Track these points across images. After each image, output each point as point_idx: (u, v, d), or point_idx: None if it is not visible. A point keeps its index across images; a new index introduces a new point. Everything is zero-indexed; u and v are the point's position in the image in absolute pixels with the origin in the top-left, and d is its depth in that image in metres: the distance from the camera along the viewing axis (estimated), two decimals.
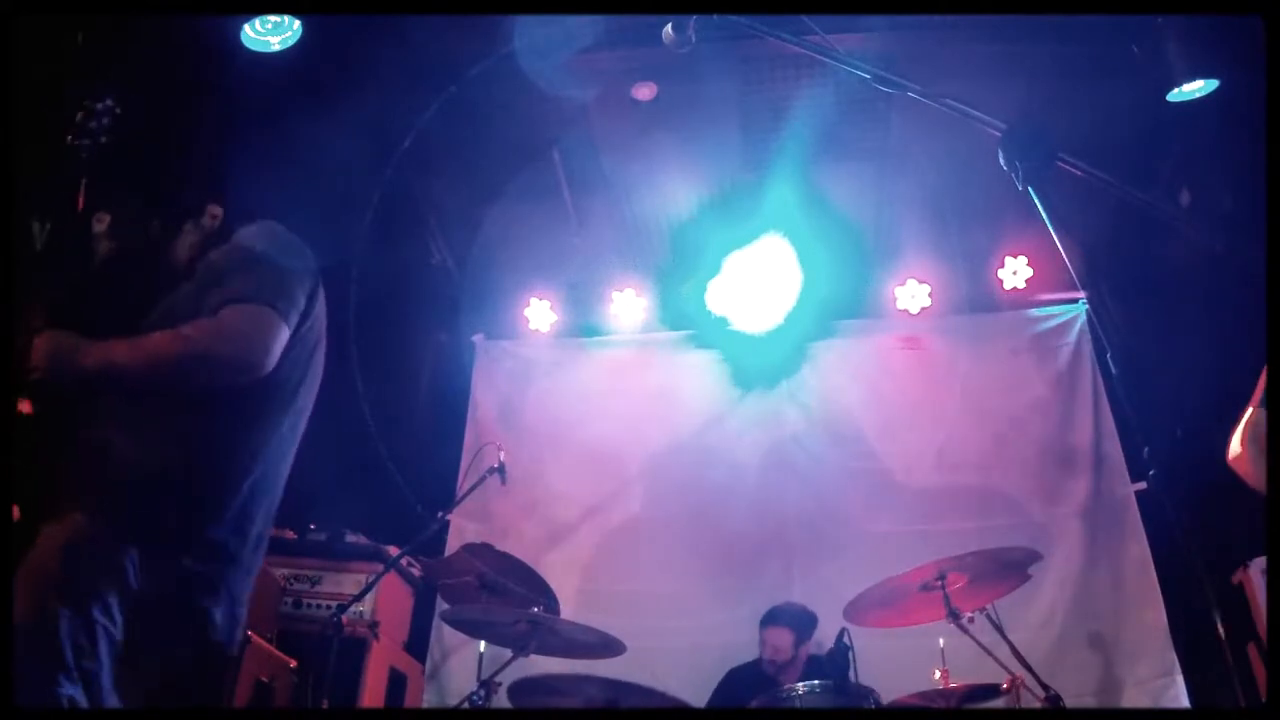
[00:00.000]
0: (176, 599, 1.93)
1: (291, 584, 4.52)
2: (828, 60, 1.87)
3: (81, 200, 2.12)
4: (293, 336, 2.10)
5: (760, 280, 5.64)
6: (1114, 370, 1.36)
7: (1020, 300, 5.83)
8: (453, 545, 5.19)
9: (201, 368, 1.98)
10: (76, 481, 1.93)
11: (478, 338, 6.28)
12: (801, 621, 4.45)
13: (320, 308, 2.25)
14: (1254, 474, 3.02)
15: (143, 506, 1.91)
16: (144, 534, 1.89)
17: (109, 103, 2.14)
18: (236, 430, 2.06)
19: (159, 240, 2.23)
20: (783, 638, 4.40)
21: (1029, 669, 3.34)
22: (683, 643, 5.05)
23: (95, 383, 1.97)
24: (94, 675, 1.78)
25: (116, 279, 2.20)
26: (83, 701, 1.75)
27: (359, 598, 4.23)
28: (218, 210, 2.30)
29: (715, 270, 5.73)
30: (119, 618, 1.83)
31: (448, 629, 4.89)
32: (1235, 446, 3.10)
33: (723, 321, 5.82)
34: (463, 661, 5.09)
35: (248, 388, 2.03)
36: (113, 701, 1.86)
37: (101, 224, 2.19)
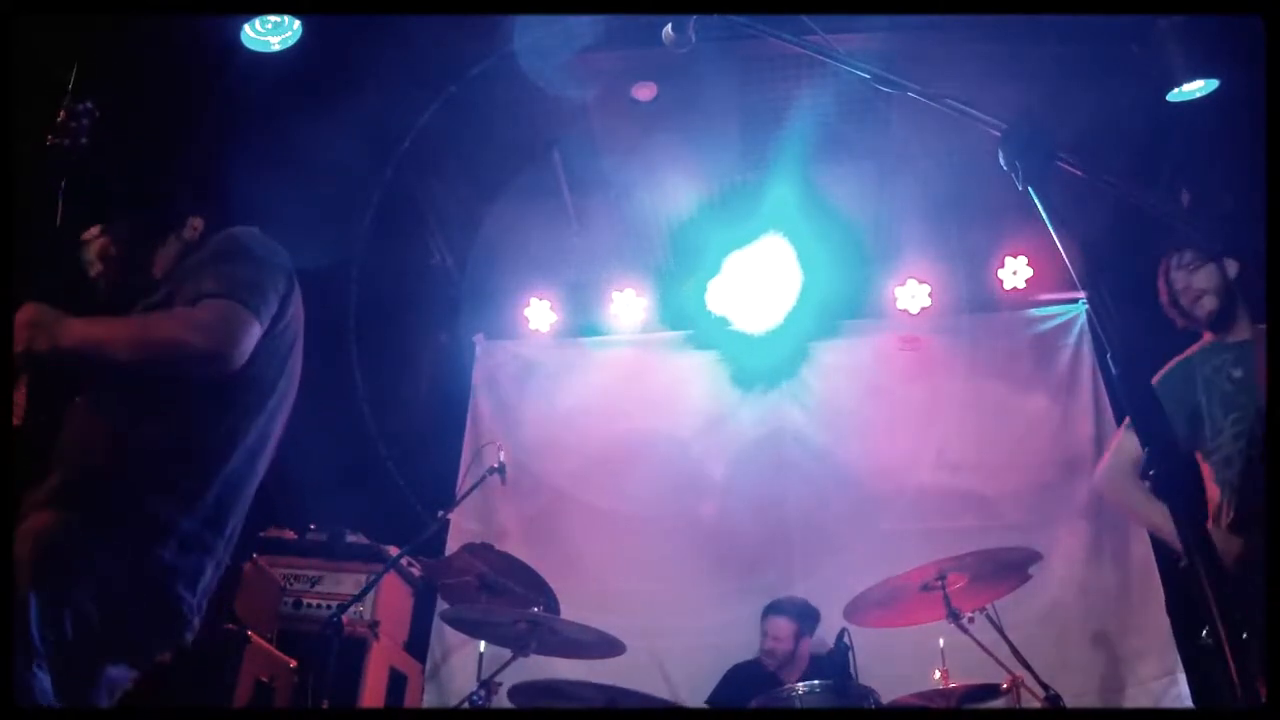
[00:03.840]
0: (150, 591, 1.94)
1: (291, 584, 4.51)
2: (828, 60, 1.87)
3: (60, 204, 2.14)
4: (267, 335, 2.13)
5: (760, 280, 5.65)
6: (1114, 370, 1.36)
7: (1020, 300, 5.83)
8: (453, 545, 5.18)
9: (174, 354, 2.00)
10: (54, 469, 1.95)
11: (478, 338, 6.28)
12: (804, 613, 4.46)
13: (295, 308, 2.28)
14: (1110, 496, 3.12)
15: (115, 498, 1.93)
16: (116, 525, 1.91)
17: (88, 105, 2.17)
18: (210, 421, 2.08)
19: (142, 254, 2.27)
20: (784, 627, 4.40)
21: (1029, 669, 3.34)
22: (683, 643, 5.06)
23: (74, 357, 1.99)
24: (63, 665, 1.79)
25: (99, 290, 2.24)
26: (50, 690, 1.76)
27: (359, 598, 4.22)
28: (199, 223, 2.35)
29: (715, 270, 5.74)
30: (91, 609, 1.84)
31: (448, 629, 4.89)
32: (1100, 474, 3.28)
33: (723, 321, 5.83)
34: (463, 661, 5.09)
35: (218, 383, 2.06)
36: (83, 694, 1.87)
37: (93, 240, 2.21)
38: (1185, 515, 1.22)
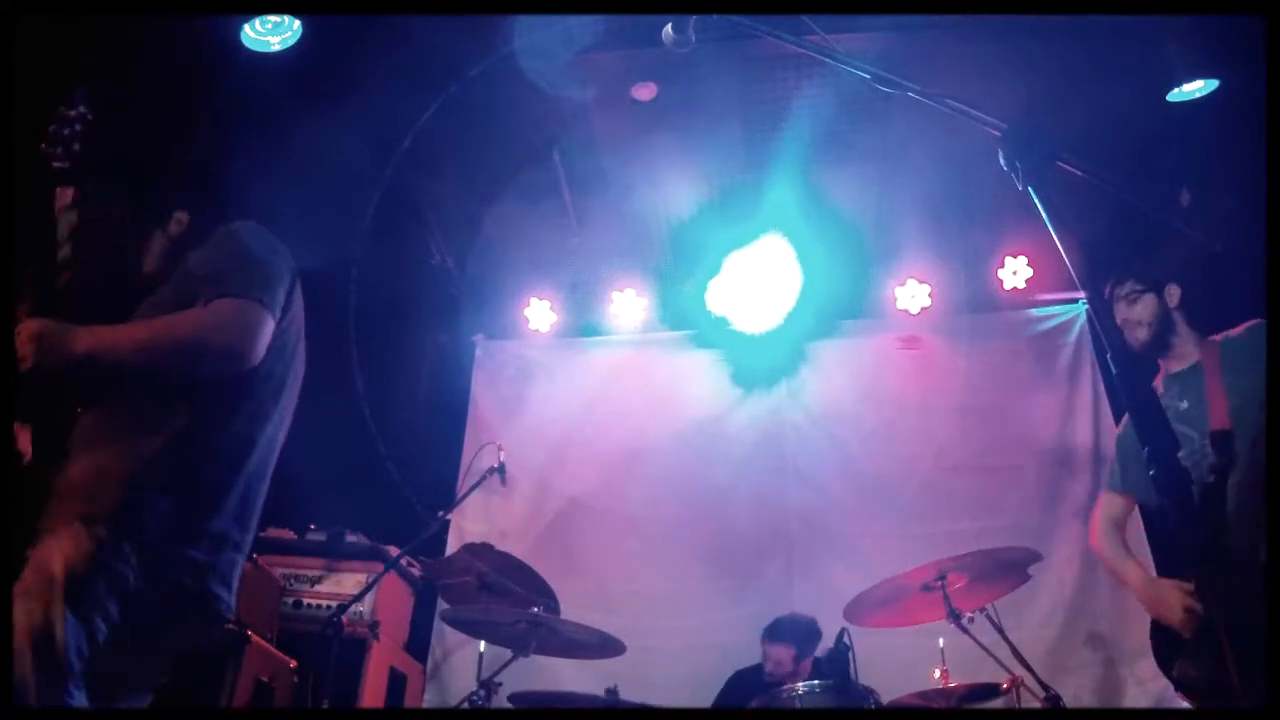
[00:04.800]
0: (187, 590, 1.94)
1: (291, 584, 4.52)
2: (828, 60, 1.87)
3: (57, 209, 2.13)
4: (276, 330, 2.13)
5: (760, 280, 5.65)
6: (1114, 370, 1.36)
7: (1020, 300, 5.83)
8: (453, 545, 5.20)
9: (192, 354, 2.00)
10: (73, 487, 1.93)
11: (478, 338, 6.28)
12: (804, 637, 4.42)
13: (298, 304, 2.28)
14: (1111, 565, 3.15)
15: (140, 507, 1.91)
16: (144, 534, 1.89)
17: (81, 109, 2.14)
18: (227, 424, 2.08)
19: (128, 250, 2.25)
20: (784, 654, 4.37)
21: (1029, 669, 3.34)
22: (683, 643, 5.06)
23: (85, 367, 1.95)
24: (98, 679, 1.79)
25: (89, 289, 2.20)
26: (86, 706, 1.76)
27: (359, 598, 4.23)
28: (184, 217, 2.32)
29: (715, 270, 5.74)
30: (124, 624, 1.83)
31: (448, 629, 4.90)
32: (1093, 535, 3.30)
33: (723, 321, 5.83)
34: (463, 661, 5.10)
35: (233, 381, 2.06)
36: (119, 703, 1.87)
37: (69, 225, 2.17)
38: (1186, 513, 1.22)
